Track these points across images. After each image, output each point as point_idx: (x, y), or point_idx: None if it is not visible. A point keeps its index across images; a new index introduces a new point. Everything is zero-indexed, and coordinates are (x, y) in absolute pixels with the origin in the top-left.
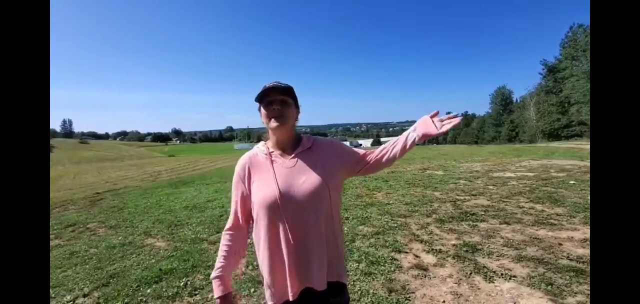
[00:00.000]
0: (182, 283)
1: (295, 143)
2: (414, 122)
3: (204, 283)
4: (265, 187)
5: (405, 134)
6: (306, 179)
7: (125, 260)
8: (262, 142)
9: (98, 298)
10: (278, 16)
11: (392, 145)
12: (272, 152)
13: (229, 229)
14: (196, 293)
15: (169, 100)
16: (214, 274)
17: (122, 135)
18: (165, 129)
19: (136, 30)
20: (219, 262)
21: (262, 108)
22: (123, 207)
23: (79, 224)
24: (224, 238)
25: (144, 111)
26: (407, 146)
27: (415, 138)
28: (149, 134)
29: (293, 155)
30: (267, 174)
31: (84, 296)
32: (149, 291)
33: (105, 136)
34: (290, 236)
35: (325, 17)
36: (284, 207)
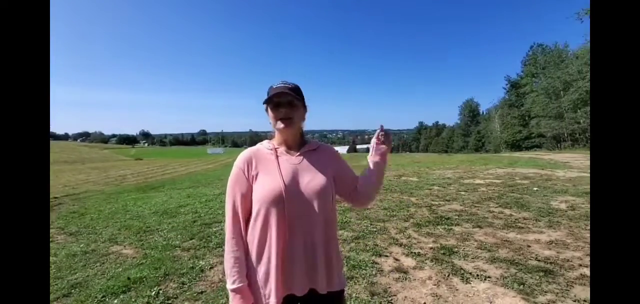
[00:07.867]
0: (153, 293)
1: (302, 143)
2: (390, 130)
3: (177, 291)
4: (269, 181)
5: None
6: (313, 179)
7: (87, 269)
8: (266, 140)
9: None
10: (254, 20)
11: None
12: (278, 148)
13: (234, 236)
14: (169, 302)
15: (138, 99)
16: (232, 286)
17: (84, 136)
18: (132, 130)
19: (102, 19)
20: (232, 272)
21: (269, 110)
22: (84, 213)
23: None
24: (231, 246)
25: (108, 110)
26: (374, 171)
27: (373, 161)
28: (113, 135)
29: (299, 153)
30: (272, 167)
31: None
32: (115, 301)
33: (65, 137)
34: (293, 234)
35: (302, 23)
36: (288, 202)
